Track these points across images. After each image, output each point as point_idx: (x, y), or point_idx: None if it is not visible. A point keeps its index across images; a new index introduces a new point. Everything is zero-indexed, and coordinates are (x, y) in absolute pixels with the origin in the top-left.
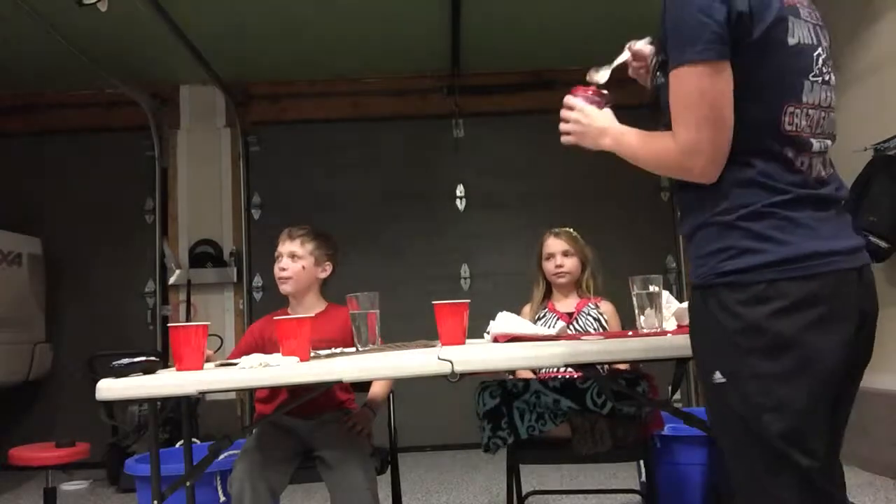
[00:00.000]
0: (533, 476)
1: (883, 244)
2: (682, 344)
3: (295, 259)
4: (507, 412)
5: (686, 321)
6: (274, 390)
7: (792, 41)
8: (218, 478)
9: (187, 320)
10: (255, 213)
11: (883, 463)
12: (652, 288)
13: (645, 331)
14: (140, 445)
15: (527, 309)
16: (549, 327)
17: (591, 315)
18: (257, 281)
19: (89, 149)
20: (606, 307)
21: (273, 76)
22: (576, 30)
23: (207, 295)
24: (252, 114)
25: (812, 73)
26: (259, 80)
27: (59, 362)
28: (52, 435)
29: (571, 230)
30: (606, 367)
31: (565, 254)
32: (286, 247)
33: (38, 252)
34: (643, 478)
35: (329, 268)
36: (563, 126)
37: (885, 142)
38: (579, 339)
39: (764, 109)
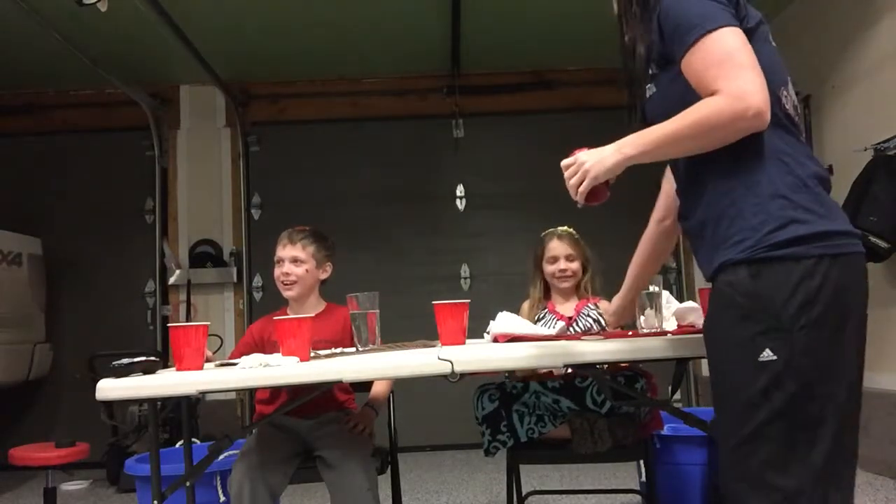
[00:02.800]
0: (533, 476)
1: (883, 244)
2: (682, 344)
3: (298, 263)
4: (507, 415)
5: (687, 321)
6: (274, 391)
7: (773, 44)
8: (218, 478)
9: (187, 320)
10: (255, 213)
11: (883, 463)
12: (652, 288)
13: (645, 331)
14: (140, 445)
15: (525, 306)
16: (549, 328)
17: (590, 316)
18: (257, 281)
19: (89, 149)
20: (605, 305)
21: (273, 76)
22: (576, 30)
23: (207, 295)
24: (252, 114)
25: (787, 73)
26: (259, 80)
27: (59, 362)
28: (52, 435)
29: (573, 231)
30: (605, 365)
31: (569, 258)
32: (288, 251)
33: (38, 252)
34: (643, 478)
35: (329, 268)
36: (570, 182)
37: (885, 142)
38: (579, 339)
39: (770, 88)
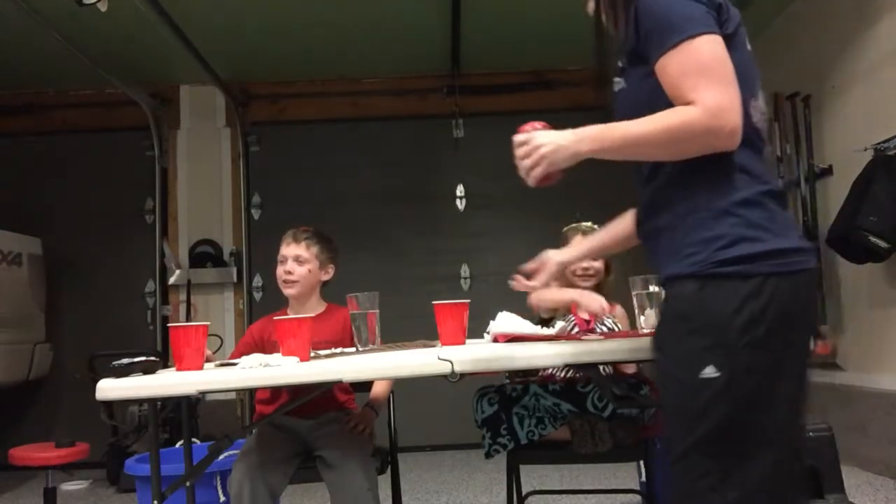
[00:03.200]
0: (533, 476)
1: (883, 244)
2: None
3: (301, 262)
4: (507, 418)
5: None
6: (275, 392)
7: (749, 48)
8: (218, 478)
9: (187, 320)
10: (255, 213)
11: (883, 463)
12: (652, 288)
13: (645, 331)
14: (140, 445)
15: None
16: (551, 327)
17: (605, 325)
18: (257, 281)
19: (89, 149)
20: (619, 311)
21: (273, 76)
22: (576, 30)
23: (207, 295)
24: (252, 114)
25: (758, 82)
26: (259, 80)
27: (59, 362)
28: (52, 435)
29: (597, 227)
30: (610, 369)
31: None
32: (291, 250)
33: (38, 252)
34: (643, 478)
35: (332, 270)
36: (524, 163)
37: (885, 142)
38: (579, 339)
39: (741, 100)
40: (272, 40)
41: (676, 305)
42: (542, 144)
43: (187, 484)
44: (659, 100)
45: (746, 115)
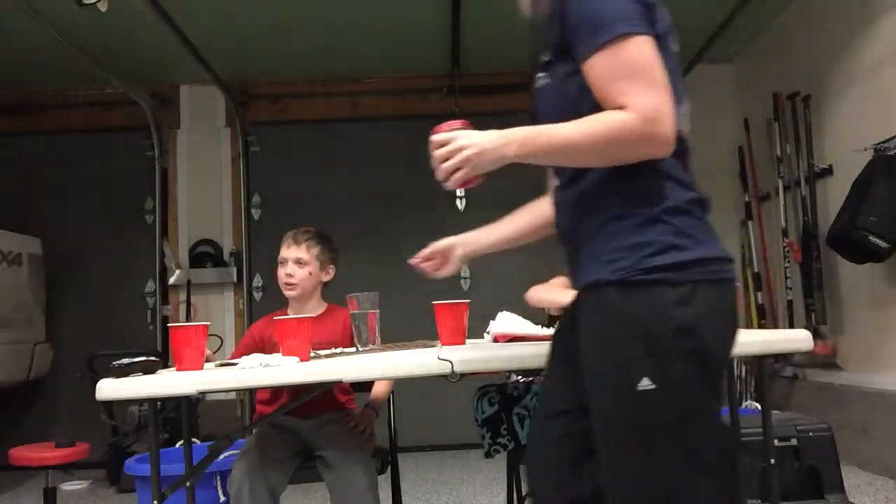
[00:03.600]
0: None
1: (883, 244)
2: None
3: (301, 265)
4: (507, 419)
5: None
6: (275, 392)
7: (675, 48)
8: (218, 478)
9: (187, 320)
10: (255, 213)
11: (883, 463)
12: None
13: None
14: (140, 445)
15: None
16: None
17: None
18: (257, 281)
19: (89, 149)
20: None
21: (273, 76)
22: None
23: (207, 295)
24: (252, 114)
25: (682, 87)
26: (259, 80)
27: (59, 362)
28: (52, 435)
29: None
30: None
31: None
32: (292, 252)
33: (38, 252)
34: None
35: (332, 271)
36: (444, 165)
37: (885, 142)
38: None
39: None
40: (272, 40)
41: (603, 314)
42: (467, 146)
43: (187, 484)
44: (584, 100)
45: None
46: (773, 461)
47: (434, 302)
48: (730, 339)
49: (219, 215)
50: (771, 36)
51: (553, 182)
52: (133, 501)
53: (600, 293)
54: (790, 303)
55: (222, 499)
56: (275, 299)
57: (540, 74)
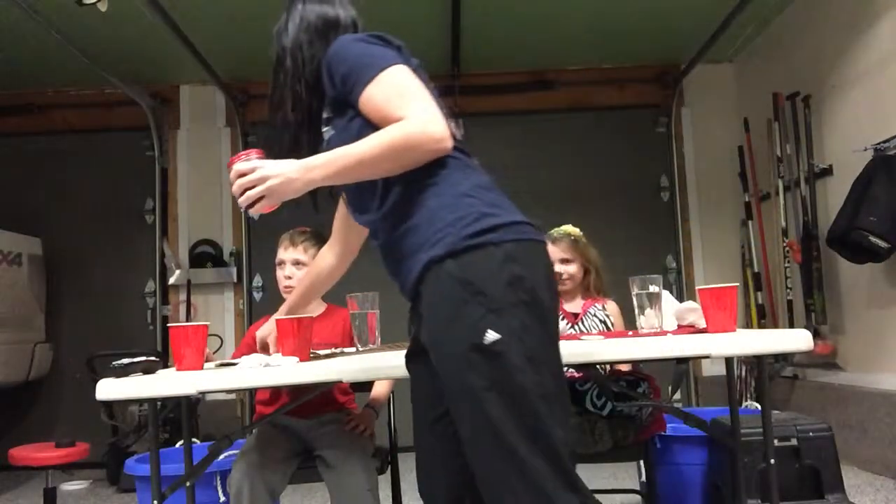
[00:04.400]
0: None
1: (883, 244)
2: (682, 344)
3: (299, 266)
4: None
5: (687, 321)
6: (275, 392)
7: (432, 86)
8: (218, 478)
9: (187, 320)
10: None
11: (883, 463)
12: (652, 288)
13: (645, 331)
14: (140, 445)
15: None
16: None
17: (597, 316)
18: (257, 281)
19: (89, 149)
20: (612, 307)
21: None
22: (576, 30)
23: (207, 295)
24: (252, 114)
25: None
26: (259, 80)
27: (59, 362)
28: (52, 435)
29: (572, 233)
30: (608, 367)
31: (563, 261)
32: (289, 254)
33: (38, 252)
34: (643, 478)
35: None
36: (248, 193)
37: (885, 142)
38: (579, 339)
39: None
40: (272, 40)
41: (441, 286)
42: (270, 177)
43: (187, 484)
44: (366, 135)
45: (450, 130)
46: (773, 461)
47: None
48: (552, 293)
49: (219, 215)
50: (771, 36)
51: (352, 215)
52: (133, 501)
53: (436, 270)
54: (790, 303)
55: (222, 499)
56: (275, 299)
57: (325, 129)
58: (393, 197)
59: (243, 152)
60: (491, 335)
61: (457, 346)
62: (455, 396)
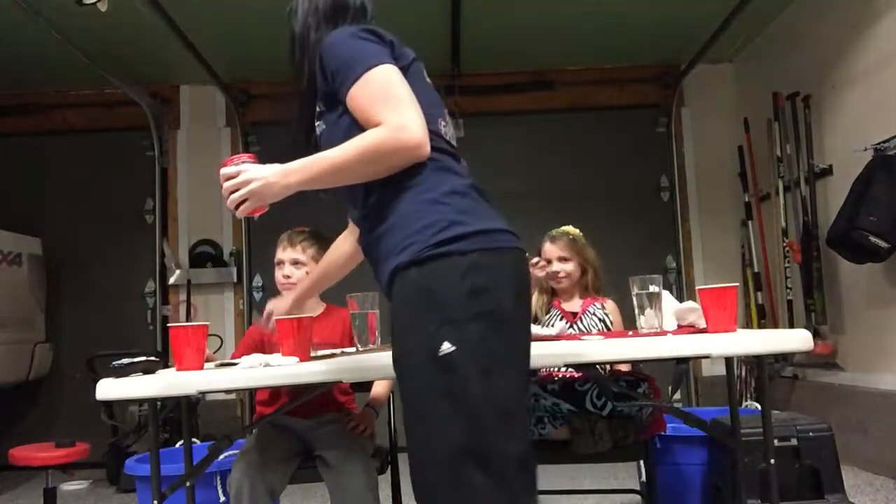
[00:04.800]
0: None
1: (883, 244)
2: (682, 344)
3: (298, 266)
4: None
5: (687, 321)
6: (274, 392)
7: (427, 80)
8: (218, 478)
9: (187, 320)
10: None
11: (883, 463)
12: (652, 288)
13: (645, 331)
14: (140, 445)
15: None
16: (550, 326)
17: (595, 315)
18: (257, 281)
19: (89, 149)
20: (610, 306)
21: (273, 76)
22: (576, 30)
23: (207, 295)
24: (252, 114)
25: (445, 111)
26: (259, 80)
27: (59, 362)
28: (52, 435)
29: (570, 232)
30: (608, 368)
31: (561, 259)
32: (288, 254)
33: (38, 252)
34: (643, 478)
35: None
36: (232, 196)
37: (885, 142)
38: (579, 338)
39: (429, 119)
40: (272, 40)
41: (405, 294)
42: (252, 180)
43: (187, 484)
44: (354, 132)
45: (437, 132)
46: (773, 461)
47: None
48: (521, 301)
49: (219, 215)
50: (771, 36)
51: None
52: (133, 501)
53: (402, 277)
54: (790, 303)
55: (222, 499)
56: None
57: (317, 123)
58: (371, 199)
59: (235, 156)
60: (446, 346)
61: (413, 354)
62: (408, 403)
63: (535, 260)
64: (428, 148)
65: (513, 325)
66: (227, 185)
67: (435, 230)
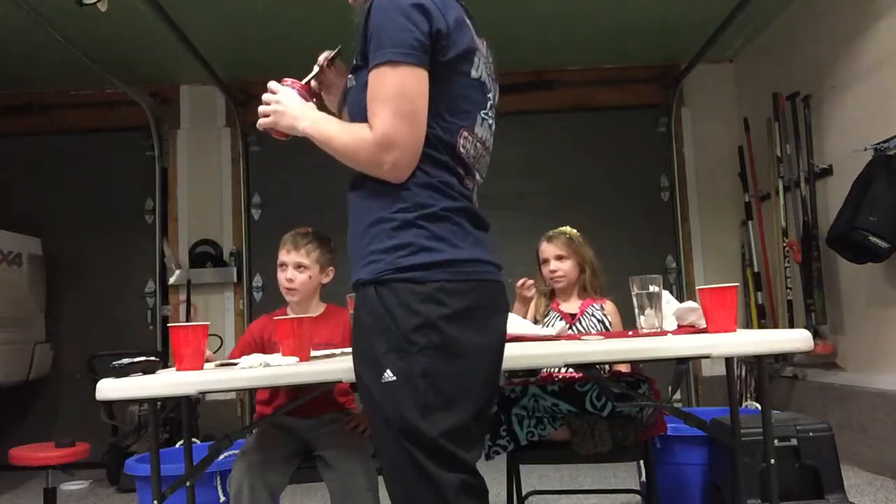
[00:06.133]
0: (533, 476)
1: (883, 244)
2: (682, 344)
3: (301, 270)
4: (506, 420)
5: (687, 321)
6: (274, 392)
7: (475, 74)
8: (218, 478)
9: (187, 320)
10: (255, 213)
11: (883, 463)
12: (652, 288)
13: (645, 331)
14: (140, 445)
15: (533, 303)
16: (550, 326)
17: (594, 316)
18: (257, 281)
19: (89, 149)
20: (609, 307)
21: (273, 76)
22: (576, 30)
23: (207, 295)
24: (252, 114)
25: (484, 111)
26: (259, 80)
27: (59, 362)
28: (52, 435)
29: (568, 232)
30: (608, 368)
31: (559, 258)
32: (291, 257)
33: (38, 252)
34: (643, 478)
35: (332, 272)
36: (260, 108)
37: (885, 142)
38: (579, 339)
39: (444, 129)
40: (272, 40)
41: (364, 312)
42: (279, 102)
43: (187, 484)
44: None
45: (451, 146)
46: (773, 461)
47: None
48: (484, 334)
49: (219, 215)
50: (771, 36)
51: None
52: (133, 501)
53: (363, 292)
54: (790, 303)
55: (222, 499)
56: (275, 299)
57: (350, 76)
58: (360, 191)
59: (291, 80)
60: (388, 375)
61: (362, 375)
62: (367, 410)
63: (520, 282)
64: (405, 174)
65: (467, 360)
66: (264, 96)
67: (403, 253)
